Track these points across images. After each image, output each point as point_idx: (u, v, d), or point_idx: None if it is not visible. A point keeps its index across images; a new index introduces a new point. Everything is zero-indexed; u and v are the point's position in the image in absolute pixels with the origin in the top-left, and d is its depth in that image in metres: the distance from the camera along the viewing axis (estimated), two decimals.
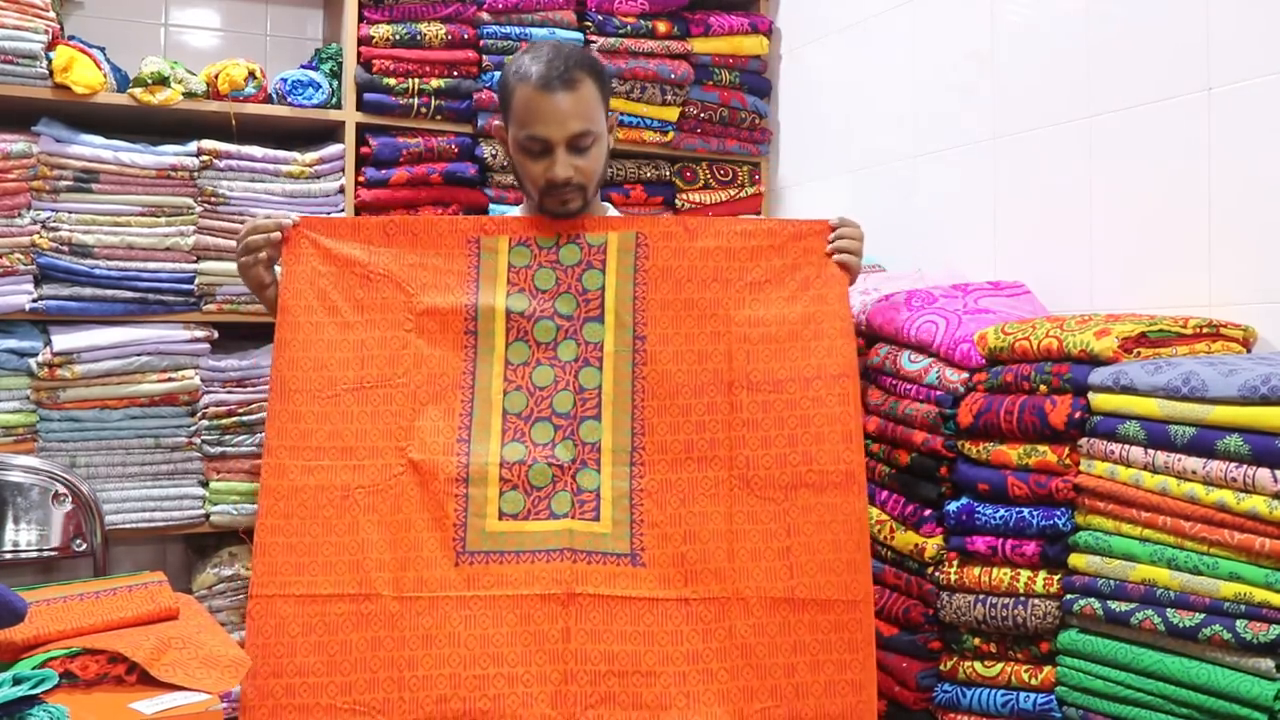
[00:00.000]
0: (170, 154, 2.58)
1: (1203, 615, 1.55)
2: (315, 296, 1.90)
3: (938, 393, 2.03)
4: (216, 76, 2.64)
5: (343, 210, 2.74)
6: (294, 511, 1.82)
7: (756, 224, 1.97)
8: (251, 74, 2.66)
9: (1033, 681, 1.84)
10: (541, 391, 1.89)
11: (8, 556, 2.33)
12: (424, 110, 2.84)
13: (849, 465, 1.85)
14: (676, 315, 1.91)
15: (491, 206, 2.88)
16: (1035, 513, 1.83)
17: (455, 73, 2.85)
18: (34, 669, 1.41)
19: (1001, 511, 1.87)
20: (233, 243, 2.37)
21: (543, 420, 1.88)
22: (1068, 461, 1.78)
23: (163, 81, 2.57)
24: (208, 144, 2.61)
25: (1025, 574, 1.84)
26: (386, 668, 1.77)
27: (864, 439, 1.94)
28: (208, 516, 2.65)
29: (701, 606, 1.81)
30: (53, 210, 2.49)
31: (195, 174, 2.62)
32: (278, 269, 1.95)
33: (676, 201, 3.17)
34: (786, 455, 1.86)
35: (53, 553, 2.35)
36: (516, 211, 2.14)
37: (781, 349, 1.90)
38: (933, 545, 1.99)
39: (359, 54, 2.79)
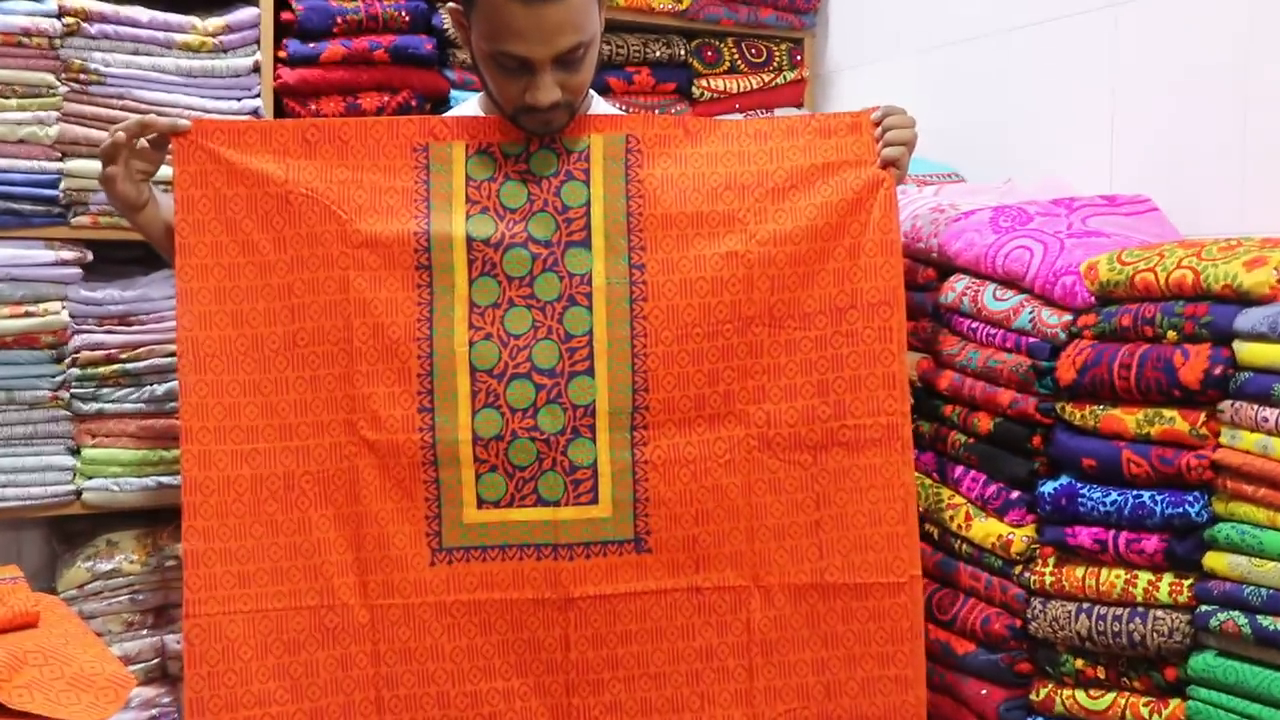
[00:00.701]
0: (21, 12, 2.50)
1: None
2: (223, 228, 1.92)
3: (1031, 340, 2.05)
4: None
5: (258, 95, 2.73)
6: (229, 509, 1.89)
7: (773, 123, 2.02)
8: None
9: (1154, 718, 1.84)
10: (517, 341, 1.94)
11: None
12: None
13: (891, 416, 1.94)
14: (682, 234, 1.96)
15: (454, 94, 2.88)
16: (1159, 497, 1.83)
17: None
18: None
19: (1113, 495, 1.88)
20: None
21: (521, 378, 1.94)
22: (1203, 431, 1.78)
23: None
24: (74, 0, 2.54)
25: (1145, 577, 1.85)
26: (362, 688, 1.89)
27: (934, 399, 2.02)
28: (79, 494, 2.62)
29: (715, 596, 1.95)
30: None
31: (58, 41, 2.55)
32: (163, 191, 1.97)
33: (693, 89, 3.18)
34: (815, 408, 1.95)
35: None
36: (474, 106, 2.16)
37: (810, 272, 1.96)
38: (1021, 537, 2.01)
39: None
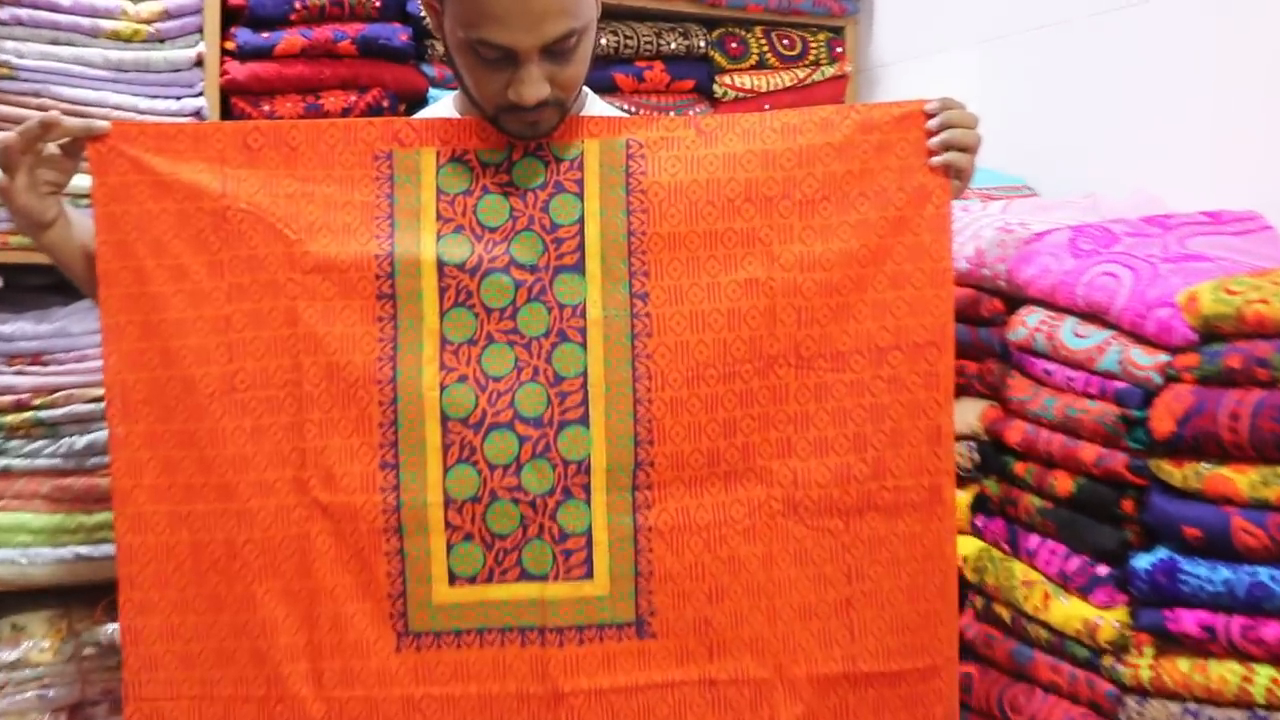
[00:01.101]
0: None
1: None
2: (148, 251, 1.92)
3: (1119, 385, 2.03)
4: None
5: (200, 94, 2.74)
6: (169, 580, 1.91)
7: (805, 116, 1.99)
8: None
9: None
10: (497, 384, 1.93)
11: None
12: None
13: (934, 477, 1.95)
14: (693, 257, 1.94)
15: (433, 93, 2.93)
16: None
17: None
18: None
19: (1223, 572, 1.85)
20: None
21: (501, 428, 1.92)
22: None
23: None
24: None
25: (1265, 673, 1.81)
26: None
27: (1003, 455, 2.07)
28: None
29: (733, 691, 1.94)
30: None
31: None
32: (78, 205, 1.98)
33: (715, 88, 3.20)
34: (850, 466, 1.95)
35: None
36: (447, 106, 2.16)
37: (845, 304, 1.95)
38: (1111, 622, 1.99)
39: None
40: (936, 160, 1.93)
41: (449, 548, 1.90)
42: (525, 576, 1.91)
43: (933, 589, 1.95)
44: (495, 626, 1.91)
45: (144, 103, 2.67)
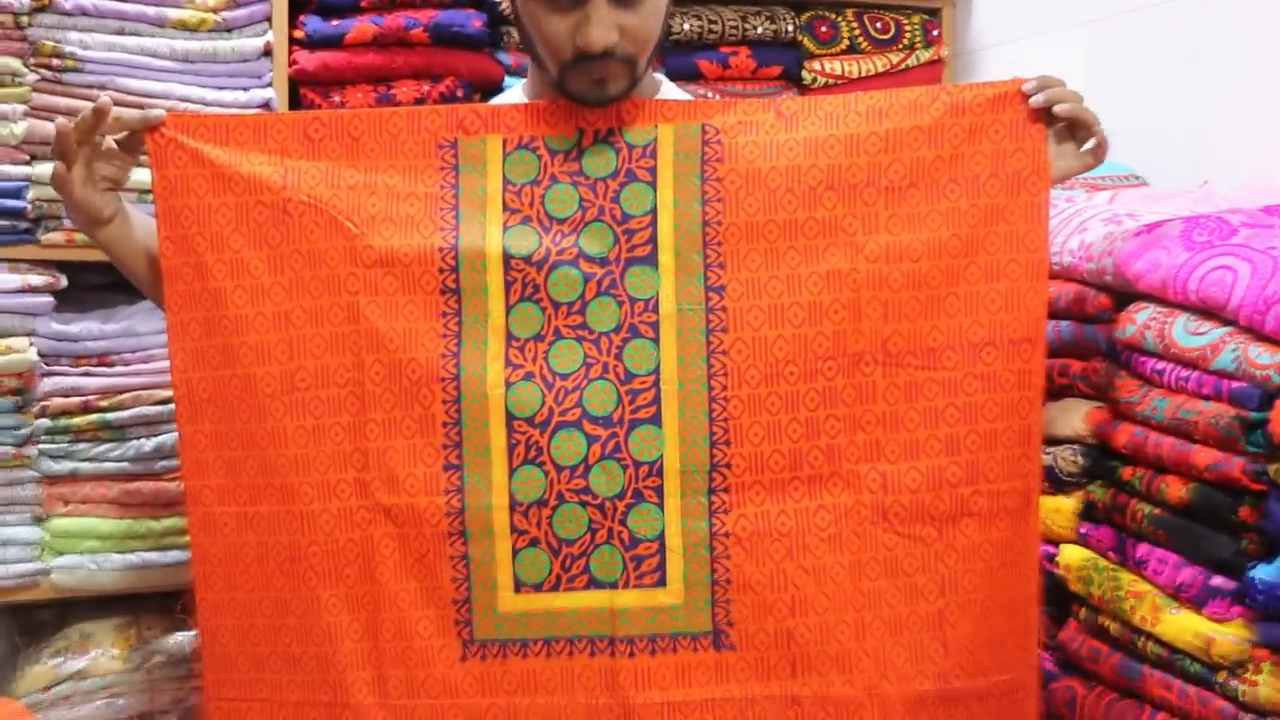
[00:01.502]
0: None
1: None
2: (208, 246, 1.93)
3: (1235, 385, 1.95)
4: None
5: (269, 84, 2.76)
6: (238, 582, 1.94)
7: (892, 97, 1.97)
8: None
9: None
10: (565, 382, 1.91)
11: None
12: None
13: (1026, 480, 1.93)
14: (772, 248, 1.92)
15: (508, 81, 2.91)
16: None
17: None
18: None
19: None
20: None
21: (569, 428, 1.91)
22: None
23: None
24: None
25: None
26: None
27: (1111, 459, 2.06)
28: (46, 574, 2.64)
29: (818, 710, 1.91)
30: None
31: (25, 19, 2.58)
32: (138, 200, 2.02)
33: (804, 74, 3.20)
34: (944, 469, 1.92)
35: None
36: (517, 94, 2.16)
37: (936, 298, 1.93)
38: (1227, 636, 1.92)
39: None
40: (1064, 117, 1.91)
41: (514, 553, 1.90)
42: (594, 584, 1.90)
43: (1022, 599, 1.94)
44: (563, 636, 1.90)
45: (211, 94, 2.69)
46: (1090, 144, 1.96)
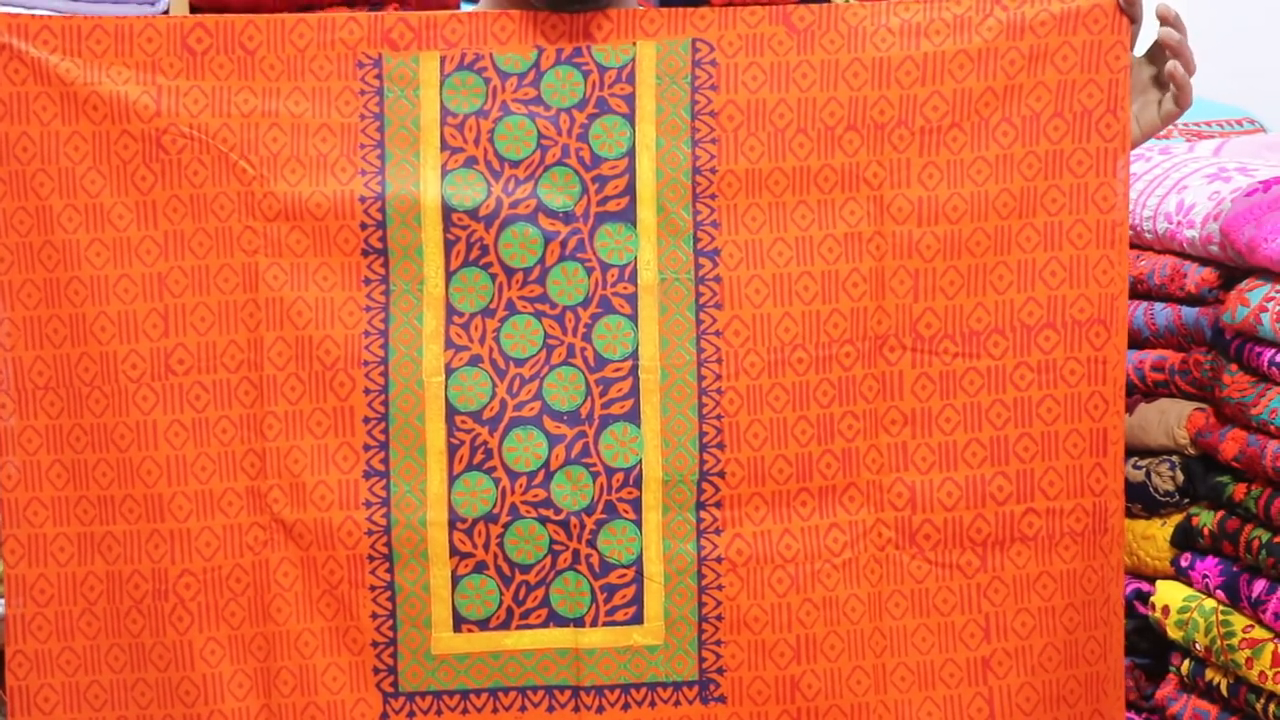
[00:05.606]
0: None
1: None
2: (54, 188, 1.82)
3: None
4: None
5: (166, 9, 2.71)
6: (75, 626, 1.82)
7: (934, 9, 1.86)
8: None
9: None
10: (520, 368, 1.84)
11: None
12: None
13: (1099, 497, 1.83)
14: (777, 202, 1.83)
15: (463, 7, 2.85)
16: None
17: None
18: None
19: None
20: None
21: (525, 425, 1.83)
22: None
23: None
24: None
25: None
26: None
27: (1216, 474, 2.04)
28: None
29: None
30: None
31: None
32: None
33: None
34: (987, 482, 1.83)
35: None
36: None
37: (980, 268, 1.83)
38: None
39: None
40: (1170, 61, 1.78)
41: (454, 581, 1.80)
42: (554, 620, 1.81)
43: (1095, 647, 1.83)
44: (514, 685, 1.81)
45: (89, 5, 2.65)
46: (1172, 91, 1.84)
